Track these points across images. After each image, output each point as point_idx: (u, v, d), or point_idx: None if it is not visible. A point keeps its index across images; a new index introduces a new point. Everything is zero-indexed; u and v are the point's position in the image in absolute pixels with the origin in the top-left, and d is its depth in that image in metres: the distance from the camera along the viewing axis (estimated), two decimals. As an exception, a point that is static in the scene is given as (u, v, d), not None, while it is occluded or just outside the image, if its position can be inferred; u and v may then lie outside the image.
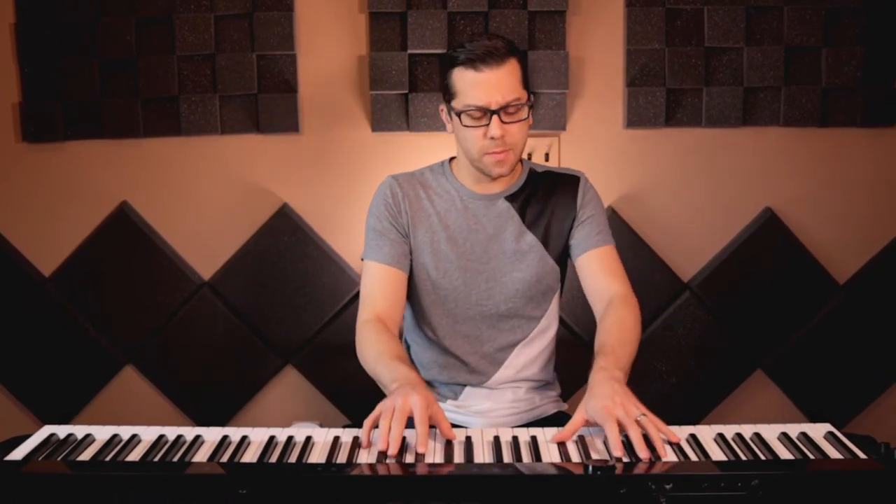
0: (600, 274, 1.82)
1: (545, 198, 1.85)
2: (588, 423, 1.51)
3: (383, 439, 1.40)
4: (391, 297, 1.80)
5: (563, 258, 1.88)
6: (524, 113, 1.70)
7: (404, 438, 1.45)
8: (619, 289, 1.80)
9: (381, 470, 1.31)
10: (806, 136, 2.66)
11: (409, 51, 2.60)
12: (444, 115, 1.78)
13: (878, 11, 2.58)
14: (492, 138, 1.67)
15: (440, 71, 1.71)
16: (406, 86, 2.62)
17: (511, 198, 1.83)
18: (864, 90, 2.61)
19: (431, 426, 1.51)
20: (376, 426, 1.44)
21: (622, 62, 2.65)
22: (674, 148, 2.68)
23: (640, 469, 1.30)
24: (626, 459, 1.36)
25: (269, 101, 2.65)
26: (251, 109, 2.66)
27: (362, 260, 1.85)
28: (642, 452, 1.38)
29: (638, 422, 1.44)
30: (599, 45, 2.65)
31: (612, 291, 1.80)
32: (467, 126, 1.69)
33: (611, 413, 1.45)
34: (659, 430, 1.44)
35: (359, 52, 2.65)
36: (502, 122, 1.67)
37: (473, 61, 1.65)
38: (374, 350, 1.70)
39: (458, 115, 1.70)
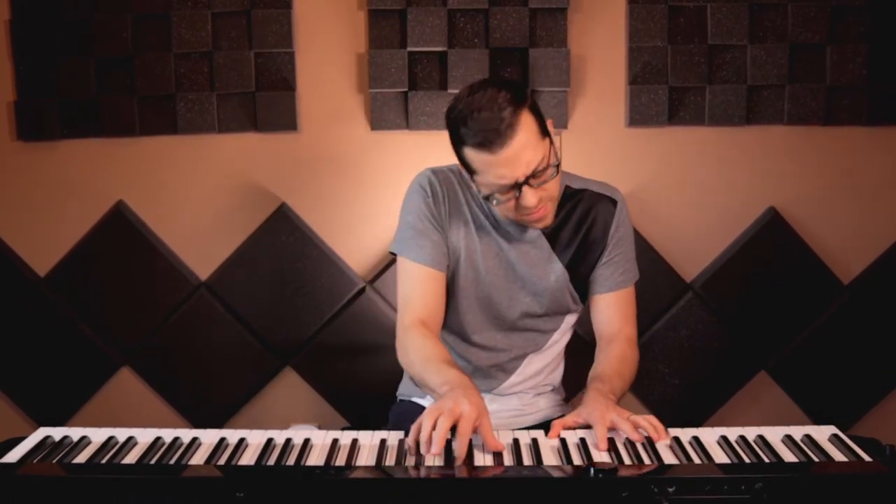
0: (615, 318, 1.81)
1: (578, 224, 1.78)
2: (577, 425, 1.54)
3: (425, 441, 1.36)
4: (433, 300, 1.74)
5: (584, 283, 1.84)
6: (552, 172, 1.57)
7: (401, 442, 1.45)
8: (629, 333, 1.81)
9: (380, 473, 1.31)
10: (810, 135, 2.65)
11: (409, 48, 2.58)
12: (461, 166, 1.67)
13: (883, 9, 2.57)
14: (526, 207, 1.58)
15: (450, 139, 1.63)
16: (406, 84, 2.60)
17: None
18: (869, 88, 2.59)
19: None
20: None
21: (624, 60, 2.63)
22: (676, 147, 2.66)
23: (642, 472, 1.30)
24: (605, 458, 1.41)
25: (266, 100, 2.63)
26: (249, 108, 2.64)
27: (391, 253, 1.79)
28: (634, 435, 1.43)
29: (631, 420, 1.48)
30: (601, 43, 2.63)
31: (623, 335, 1.80)
32: (500, 203, 1.59)
33: (604, 415, 1.49)
34: (654, 427, 1.48)
35: (358, 49, 2.63)
36: (533, 187, 1.56)
37: (483, 144, 1.51)
38: (420, 355, 1.65)
39: (486, 197, 1.60)
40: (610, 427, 1.47)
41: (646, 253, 2.67)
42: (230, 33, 2.60)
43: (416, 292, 1.74)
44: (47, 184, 2.69)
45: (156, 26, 2.59)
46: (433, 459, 1.39)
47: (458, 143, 1.58)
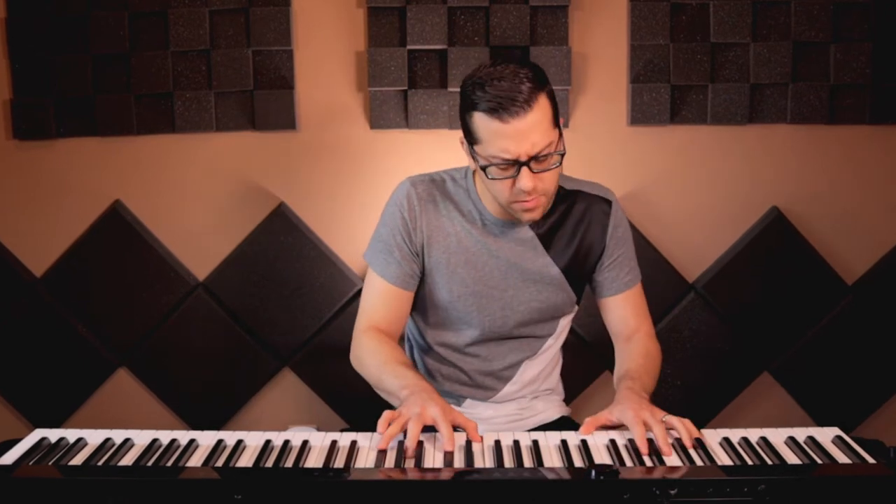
0: (631, 317, 1.82)
1: (573, 226, 1.75)
2: (610, 423, 1.54)
3: (412, 441, 1.40)
4: (393, 314, 1.75)
5: (582, 285, 1.82)
6: (556, 160, 1.55)
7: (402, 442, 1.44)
8: (648, 329, 1.82)
9: (380, 475, 1.31)
10: (813, 134, 2.63)
11: (409, 46, 2.57)
12: (464, 149, 1.64)
13: (887, 6, 2.56)
14: (521, 190, 1.54)
15: (460, 105, 1.59)
16: (405, 82, 2.58)
17: (535, 225, 1.73)
18: (872, 87, 2.58)
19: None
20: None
21: (626, 58, 2.62)
22: (679, 146, 2.65)
23: (644, 474, 1.29)
24: (607, 460, 1.41)
25: (265, 98, 2.61)
26: (247, 106, 2.62)
27: (365, 259, 1.79)
28: (665, 447, 1.41)
29: (664, 421, 1.47)
30: (603, 41, 2.62)
31: (642, 332, 1.81)
32: (494, 178, 1.56)
33: (638, 414, 1.49)
34: (686, 429, 1.47)
35: (357, 47, 2.62)
36: (532, 171, 1.52)
37: (496, 110, 1.48)
38: (376, 358, 1.66)
39: (484, 167, 1.56)
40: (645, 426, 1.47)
41: (648, 253, 2.66)
42: (228, 31, 2.59)
43: (376, 304, 1.75)
44: (43, 183, 2.67)
45: (152, 24, 2.58)
46: (434, 461, 1.39)
47: (468, 108, 1.54)
